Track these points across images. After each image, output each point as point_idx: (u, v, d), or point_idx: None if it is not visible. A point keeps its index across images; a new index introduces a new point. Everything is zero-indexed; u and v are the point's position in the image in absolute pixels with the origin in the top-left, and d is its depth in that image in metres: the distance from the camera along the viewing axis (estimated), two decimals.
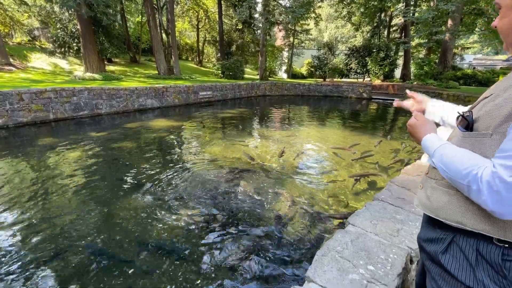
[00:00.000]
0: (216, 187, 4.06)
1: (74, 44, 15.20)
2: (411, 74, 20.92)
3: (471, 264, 0.78)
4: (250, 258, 2.61)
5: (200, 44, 26.82)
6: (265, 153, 5.79)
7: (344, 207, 3.58)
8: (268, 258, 2.61)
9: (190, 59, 30.04)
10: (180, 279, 2.37)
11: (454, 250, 0.83)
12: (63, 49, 15.82)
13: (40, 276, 2.37)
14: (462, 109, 1.02)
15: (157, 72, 16.32)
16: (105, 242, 2.81)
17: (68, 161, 5.12)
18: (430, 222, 0.95)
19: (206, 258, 2.61)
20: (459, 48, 22.95)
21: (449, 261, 0.83)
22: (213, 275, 2.40)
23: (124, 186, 4.07)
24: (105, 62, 16.04)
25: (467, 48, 24.82)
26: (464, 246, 0.81)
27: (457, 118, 0.86)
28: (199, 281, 2.35)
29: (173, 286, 2.29)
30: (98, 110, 9.28)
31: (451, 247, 0.84)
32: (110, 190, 3.94)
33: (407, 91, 1.22)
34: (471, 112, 0.82)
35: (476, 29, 17.45)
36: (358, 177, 4.38)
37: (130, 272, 2.42)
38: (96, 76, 12.33)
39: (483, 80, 18.49)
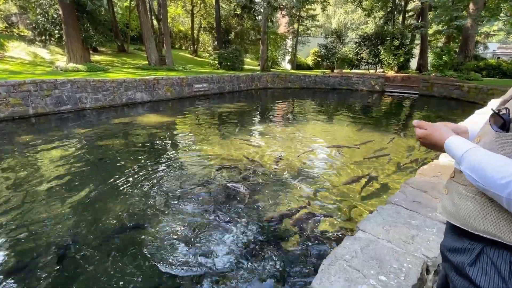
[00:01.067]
0: (212, 189, 4.06)
1: (56, 32, 15.14)
2: (429, 65, 20.86)
3: (504, 278, 0.76)
4: (250, 265, 2.61)
5: (195, 31, 26.75)
6: (265, 152, 5.78)
7: (351, 211, 3.57)
8: (270, 266, 2.61)
9: (184, 48, 30.00)
10: (177, 281, 2.38)
11: (484, 262, 0.81)
12: (43, 37, 15.77)
13: (17, 281, 2.38)
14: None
15: (147, 62, 16.30)
16: (88, 246, 2.81)
17: (50, 160, 5.12)
18: (455, 230, 0.93)
19: (202, 260, 2.62)
20: (482, 36, 22.84)
21: (478, 274, 0.81)
22: (210, 279, 2.41)
23: (111, 188, 4.07)
24: (90, 52, 16.01)
25: (491, 35, 24.69)
26: (495, 258, 0.79)
27: (491, 115, 0.82)
28: (195, 284, 2.35)
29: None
30: (82, 105, 9.27)
31: (481, 259, 0.82)
32: (96, 192, 3.94)
33: (414, 122, 1.04)
34: (508, 109, 0.78)
35: (501, 14, 17.34)
36: (358, 180, 4.40)
37: (123, 273, 2.43)
38: (80, 66, 12.32)
39: (508, 71, 18.42)
